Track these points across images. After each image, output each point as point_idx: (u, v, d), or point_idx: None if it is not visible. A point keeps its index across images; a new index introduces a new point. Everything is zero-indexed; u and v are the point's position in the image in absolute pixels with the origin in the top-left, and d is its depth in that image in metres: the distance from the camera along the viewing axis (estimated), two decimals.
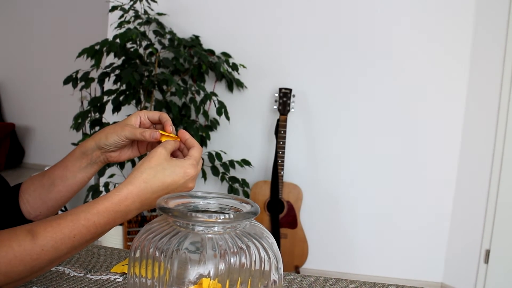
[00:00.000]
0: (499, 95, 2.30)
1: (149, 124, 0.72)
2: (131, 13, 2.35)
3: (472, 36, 2.41)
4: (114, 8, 2.25)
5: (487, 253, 2.35)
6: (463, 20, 2.41)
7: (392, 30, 2.47)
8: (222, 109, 2.31)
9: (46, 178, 0.71)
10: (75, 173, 0.71)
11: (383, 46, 2.49)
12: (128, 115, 0.74)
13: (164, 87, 2.23)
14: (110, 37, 2.53)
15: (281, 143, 2.40)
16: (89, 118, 2.22)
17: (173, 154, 0.68)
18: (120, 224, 2.41)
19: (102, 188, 2.31)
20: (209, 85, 2.58)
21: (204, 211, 0.57)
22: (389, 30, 2.47)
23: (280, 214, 2.43)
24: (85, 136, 2.28)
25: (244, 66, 2.51)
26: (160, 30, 2.36)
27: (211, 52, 2.47)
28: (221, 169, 2.45)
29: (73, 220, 0.55)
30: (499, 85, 2.31)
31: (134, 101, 2.26)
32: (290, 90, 2.44)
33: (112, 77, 2.29)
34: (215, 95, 2.38)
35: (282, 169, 2.41)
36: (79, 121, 2.17)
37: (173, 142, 0.66)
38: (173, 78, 2.12)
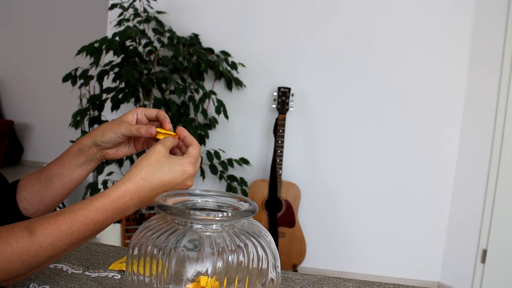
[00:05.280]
0: (497, 94, 2.31)
1: (146, 121, 0.72)
2: (131, 11, 2.35)
3: (470, 38, 2.41)
4: (113, 6, 2.25)
5: (484, 252, 2.36)
6: (462, 19, 2.41)
7: (392, 29, 2.47)
8: (221, 107, 2.31)
9: (43, 175, 0.71)
10: (72, 170, 0.71)
11: (382, 45, 2.49)
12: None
13: (163, 85, 2.23)
14: (109, 35, 2.52)
15: (279, 142, 2.40)
16: (88, 116, 2.22)
17: (171, 152, 0.68)
18: (118, 222, 2.41)
19: (100, 186, 2.31)
20: (208, 84, 2.58)
21: (202, 209, 0.57)
22: (388, 29, 2.47)
23: (278, 213, 2.43)
24: (84, 134, 2.27)
25: (243, 65, 2.51)
26: (160, 28, 2.36)
27: (210, 50, 2.47)
28: (219, 168, 2.45)
29: (71, 217, 0.55)
30: (497, 85, 2.31)
31: (133, 99, 2.26)
32: (289, 89, 2.44)
33: (111, 75, 2.29)
34: (214, 93, 2.38)
35: (281, 168, 2.41)
36: (78, 118, 2.16)
37: (172, 139, 0.66)
38: (172, 77, 2.12)
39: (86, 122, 2.32)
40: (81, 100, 2.84)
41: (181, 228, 0.49)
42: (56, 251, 0.54)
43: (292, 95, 2.48)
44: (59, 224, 0.54)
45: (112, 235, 2.44)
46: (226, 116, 2.33)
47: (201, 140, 2.33)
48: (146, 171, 0.60)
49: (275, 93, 2.47)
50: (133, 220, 2.43)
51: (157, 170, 0.60)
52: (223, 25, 2.59)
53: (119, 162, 2.28)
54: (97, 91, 2.71)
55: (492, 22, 2.33)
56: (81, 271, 0.74)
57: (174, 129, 0.69)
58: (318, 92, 2.57)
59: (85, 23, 4.48)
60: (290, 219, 2.44)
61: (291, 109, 2.47)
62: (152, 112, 0.71)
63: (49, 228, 0.53)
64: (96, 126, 2.24)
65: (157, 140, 0.68)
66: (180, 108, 2.35)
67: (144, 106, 2.29)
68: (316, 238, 2.63)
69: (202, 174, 2.48)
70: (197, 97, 2.41)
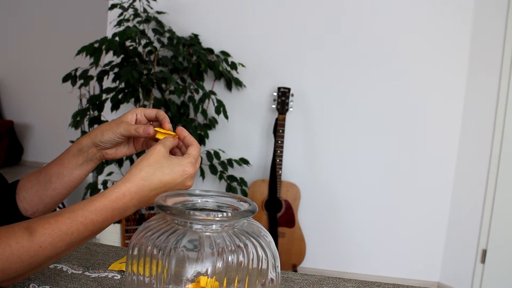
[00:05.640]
0: (497, 94, 2.31)
1: (146, 121, 0.72)
2: (131, 11, 2.35)
3: (470, 41, 2.41)
4: (113, 6, 2.25)
5: (484, 253, 2.36)
6: (461, 22, 2.41)
7: (392, 32, 2.47)
8: (220, 107, 2.31)
9: (42, 175, 0.71)
10: (71, 170, 0.71)
11: (382, 46, 2.49)
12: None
13: (163, 85, 2.23)
14: (109, 35, 2.52)
15: (279, 142, 2.40)
16: (87, 116, 2.22)
17: (171, 152, 0.68)
18: (118, 222, 2.41)
19: (100, 186, 2.31)
20: (208, 84, 2.58)
21: (202, 209, 0.57)
22: (389, 31, 2.48)
23: (278, 213, 2.43)
24: (84, 134, 2.27)
25: (243, 65, 2.51)
26: (159, 28, 2.36)
27: (210, 50, 2.47)
28: (219, 168, 2.45)
29: (71, 217, 0.55)
30: (497, 84, 2.31)
31: (133, 99, 2.26)
32: (289, 89, 2.44)
33: (111, 75, 2.29)
34: (214, 93, 2.37)
35: (281, 168, 2.41)
36: (78, 119, 2.16)
37: (172, 139, 0.66)
38: (172, 77, 2.12)
39: (86, 122, 2.31)
40: (81, 100, 2.84)
41: (181, 228, 0.49)
42: (56, 251, 0.54)
43: (292, 95, 2.48)
44: (58, 225, 0.54)
45: (112, 235, 2.44)
46: (226, 116, 2.33)
47: (201, 140, 2.33)
48: (146, 172, 0.60)
49: (275, 93, 2.47)
50: (133, 220, 2.43)
51: (157, 171, 0.60)
52: (223, 25, 2.59)
53: (119, 162, 2.28)
54: (97, 91, 2.71)
55: (492, 23, 2.33)
56: (81, 272, 0.74)
57: (174, 129, 0.69)
58: (318, 92, 2.57)
59: (85, 23, 4.48)
60: (290, 219, 2.44)
61: (291, 109, 2.47)
62: (152, 112, 0.71)
63: (49, 229, 0.53)
64: (96, 126, 2.24)
65: (156, 140, 0.68)
66: (180, 108, 2.35)
67: (144, 106, 2.28)
68: (316, 238, 2.63)
69: (202, 174, 2.48)
70: (197, 97, 2.41)
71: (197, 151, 0.65)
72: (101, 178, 2.55)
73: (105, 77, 2.27)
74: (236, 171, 2.55)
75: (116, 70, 2.23)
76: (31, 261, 0.52)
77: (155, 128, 0.67)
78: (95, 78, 2.22)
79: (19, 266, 0.51)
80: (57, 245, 0.54)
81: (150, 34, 2.46)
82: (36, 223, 0.54)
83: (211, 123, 2.46)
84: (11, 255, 0.51)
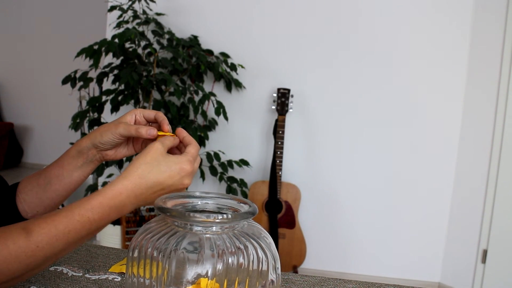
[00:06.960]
0: (496, 95, 2.31)
1: (145, 122, 0.72)
2: (130, 13, 2.35)
3: (469, 40, 2.41)
4: (113, 8, 2.25)
5: (485, 253, 2.35)
6: (461, 23, 2.42)
7: (391, 32, 2.47)
8: (220, 109, 2.31)
9: (42, 177, 0.71)
10: (71, 172, 0.71)
11: (381, 47, 2.49)
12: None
13: (163, 87, 2.23)
14: (108, 37, 2.52)
15: (279, 143, 2.40)
16: (87, 118, 2.22)
17: (170, 152, 0.68)
18: (119, 224, 2.41)
19: (100, 188, 2.30)
20: (207, 85, 2.58)
21: (202, 211, 0.56)
22: (388, 32, 2.48)
23: (278, 214, 2.43)
24: (83, 136, 2.27)
25: (242, 66, 2.51)
26: (159, 30, 2.36)
27: (210, 52, 2.47)
28: (219, 169, 2.45)
29: (68, 216, 0.55)
30: (496, 84, 2.31)
31: (132, 101, 2.26)
32: (289, 90, 2.44)
33: (111, 77, 2.29)
34: (214, 95, 2.37)
35: (281, 169, 2.41)
36: (78, 121, 2.16)
37: (172, 139, 0.66)
38: (172, 78, 2.12)
39: (85, 124, 2.32)
40: (80, 102, 2.84)
41: (181, 230, 0.49)
42: (53, 251, 0.54)
43: (292, 96, 2.48)
44: (55, 224, 0.54)
45: (112, 237, 2.44)
46: (226, 118, 2.33)
47: (201, 141, 2.33)
48: (142, 169, 0.59)
49: (275, 94, 2.47)
50: (133, 222, 2.43)
51: (154, 168, 0.60)
52: (223, 27, 2.59)
53: (119, 163, 2.28)
54: (97, 93, 2.71)
55: (491, 23, 2.33)
56: (81, 274, 0.74)
57: (173, 131, 0.69)
58: (318, 93, 2.57)
59: (85, 25, 4.48)
60: (290, 220, 2.44)
61: (290, 110, 2.47)
62: (151, 113, 0.71)
63: (45, 228, 0.53)
64: (95, 128, 2.23)
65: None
66: (180, 110, 2.35)
67: (144, 108, 2.28)
68: (316, 239, 2.63)
69: (202, 175, 2.48)
70: (196, 98, 2.41)
71: (196, 150, 0.65)
72: (101, 179, 2.55)
73: (105, 79, 2.27)
74: (236, 172, 2.55)
75: (115, 72, 2.23)
76: (29, 262, 0.52)
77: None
78: (94, 80, 2.22)
79: (17, 266, 0.51)
80: (54, 244, 0.53)
81: (150, 35, 2.46)
82: (33, 223, 0.54)
83: (211, 125, 2.46)
84: (9, 255, 0.50)
